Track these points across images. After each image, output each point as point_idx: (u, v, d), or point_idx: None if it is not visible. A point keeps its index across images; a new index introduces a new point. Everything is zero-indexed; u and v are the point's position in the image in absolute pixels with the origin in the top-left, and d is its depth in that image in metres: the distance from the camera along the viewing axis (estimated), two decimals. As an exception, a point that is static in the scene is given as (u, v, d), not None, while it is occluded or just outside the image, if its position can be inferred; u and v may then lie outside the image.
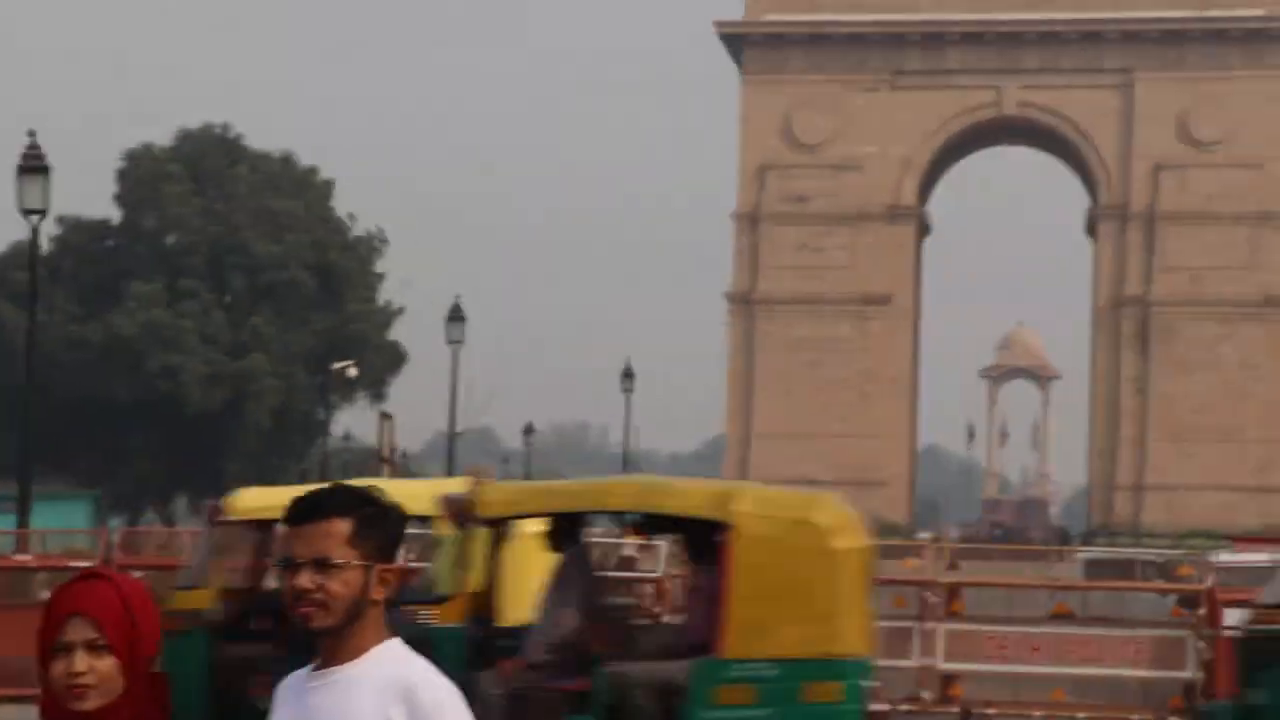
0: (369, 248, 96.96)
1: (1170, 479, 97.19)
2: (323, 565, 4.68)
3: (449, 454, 59.34)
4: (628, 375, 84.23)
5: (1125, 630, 21.93)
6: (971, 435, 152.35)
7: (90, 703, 4.55)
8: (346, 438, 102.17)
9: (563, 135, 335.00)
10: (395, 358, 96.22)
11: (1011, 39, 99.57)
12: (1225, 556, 30.53)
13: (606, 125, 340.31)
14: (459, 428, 60.24)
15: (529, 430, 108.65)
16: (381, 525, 4.76)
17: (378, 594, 4.72)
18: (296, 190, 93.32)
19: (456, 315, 59.55)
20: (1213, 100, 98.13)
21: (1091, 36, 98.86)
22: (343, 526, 4.70)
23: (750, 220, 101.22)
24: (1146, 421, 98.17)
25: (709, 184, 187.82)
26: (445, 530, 14.07)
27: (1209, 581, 24.24)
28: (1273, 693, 13.09)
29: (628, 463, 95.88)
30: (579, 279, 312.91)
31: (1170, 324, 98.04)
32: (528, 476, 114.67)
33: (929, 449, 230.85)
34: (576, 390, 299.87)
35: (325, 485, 4.93)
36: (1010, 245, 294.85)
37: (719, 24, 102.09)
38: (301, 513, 4.74)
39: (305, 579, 4.67)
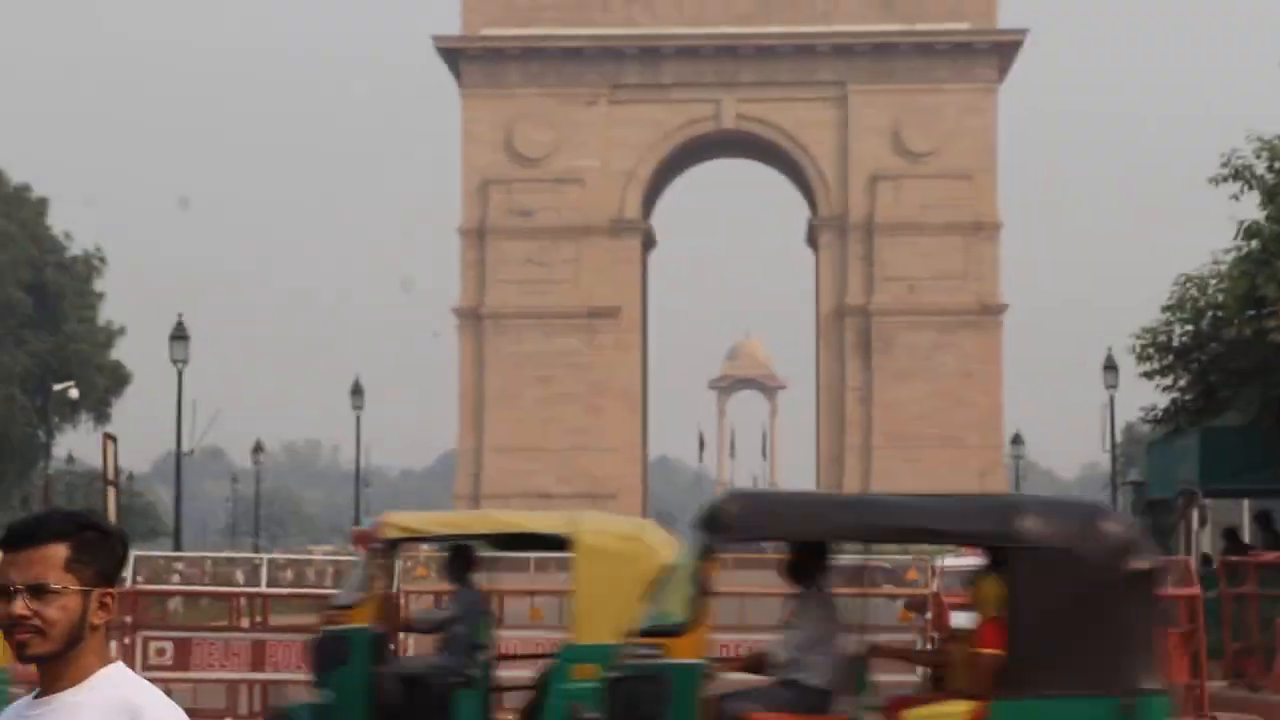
0: (87, 267, 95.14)
1: (895, 485, 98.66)
2: (39, 591, 4.57)
3: (177, 474, 58.32)
4: (357, 392, 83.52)
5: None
6: (702, 446, 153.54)
7: None
8: (70, 460, 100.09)
9: (284, 148, 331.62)
10: (118, 378, 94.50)
11: (728, 53, 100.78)
12: (950, 560, 31.05)
13: (332, 140, 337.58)
14: (186, 447, 59.25)
15: (258, 449, 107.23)
16: (101, 549, 4.65)
17: (98, 618, 4.62)
18: (8, 208, 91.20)
19: (180, 334, 58.48)
20: (923, 112, 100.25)
21: (805, 50, 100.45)
22: (59, 551, 4.60)
23: (476, 235, 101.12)
24: (870, 429, 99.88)
25: (435, 198, 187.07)
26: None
27: (934, 585, 24.61)
28: (340, 692, 14.40)
29: (360, 480, 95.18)
30: (308, 296, 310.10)
31: (891, 333, 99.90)
32: (258, 495, 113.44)
33: (660, 460, 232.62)
34: (307, 407, 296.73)
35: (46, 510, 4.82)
36: (736, 257, 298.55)
37: (437, 39, 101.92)
38: (16, 538, 4.63)
39: (20, 606, 4.55)
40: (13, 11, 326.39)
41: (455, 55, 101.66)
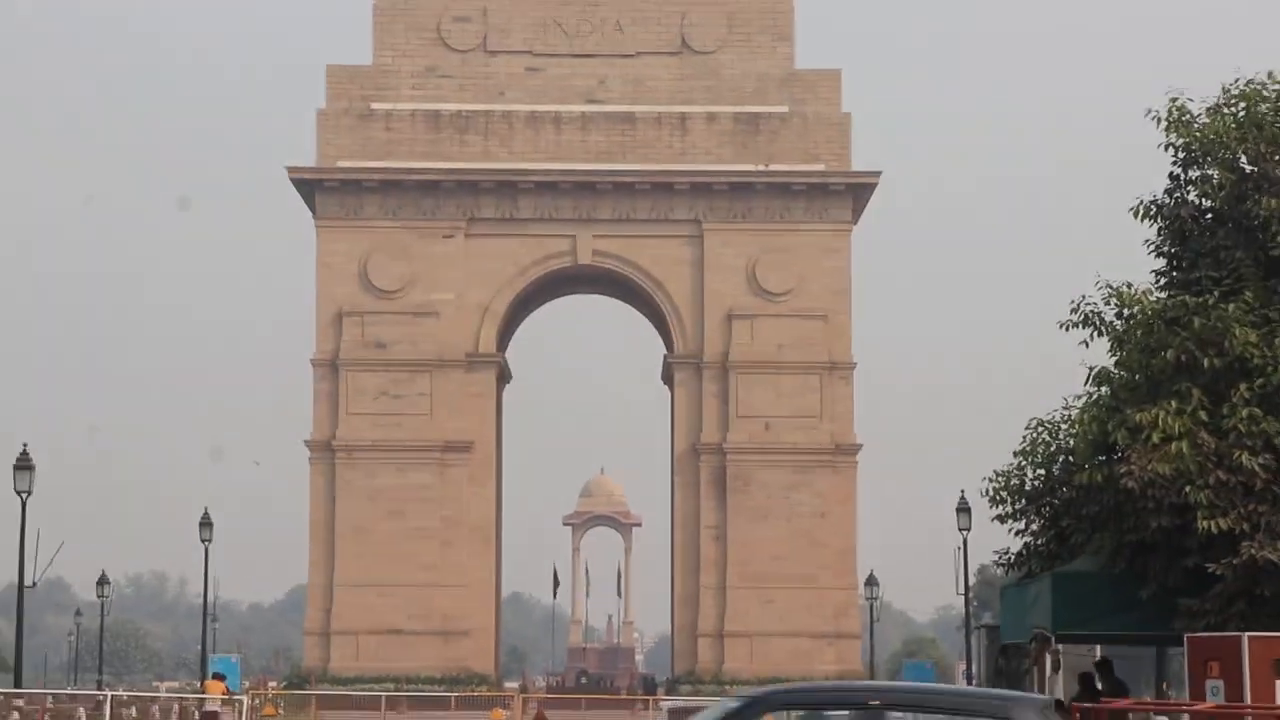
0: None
1: (750, 626, 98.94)
2: None
3: (19, 607, 57.10)
4: (205, 524, 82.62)
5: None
6: (557, 583, 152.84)
7: None
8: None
9: (131, 272, 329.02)
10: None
11: (585, 189, 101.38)
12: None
13: (184, 264, 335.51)
14: (29, 580, 58.04)
15: (103, 581, 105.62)
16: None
17: None
18: None
19: (24, 463, 57.52)
20: (779, 252, 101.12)
21: (662, 188, 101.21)
22: None
23: (330, 366, 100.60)
24: (726, 568, 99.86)
25: (289, 328, 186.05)
26: None
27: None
28: None
29: (209, 614, 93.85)
30: (155, 424, 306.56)
31: (746, 472, 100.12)
32: (102, 630, 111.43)
33: (514, 597, 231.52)
34: (153, 539, 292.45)
35: None
36: (592, 392, 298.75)
37: (292, 170, 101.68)
38: None
39: None
40: None
41: (311, 186, 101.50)
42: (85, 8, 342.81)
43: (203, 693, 59.72)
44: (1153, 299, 32.09)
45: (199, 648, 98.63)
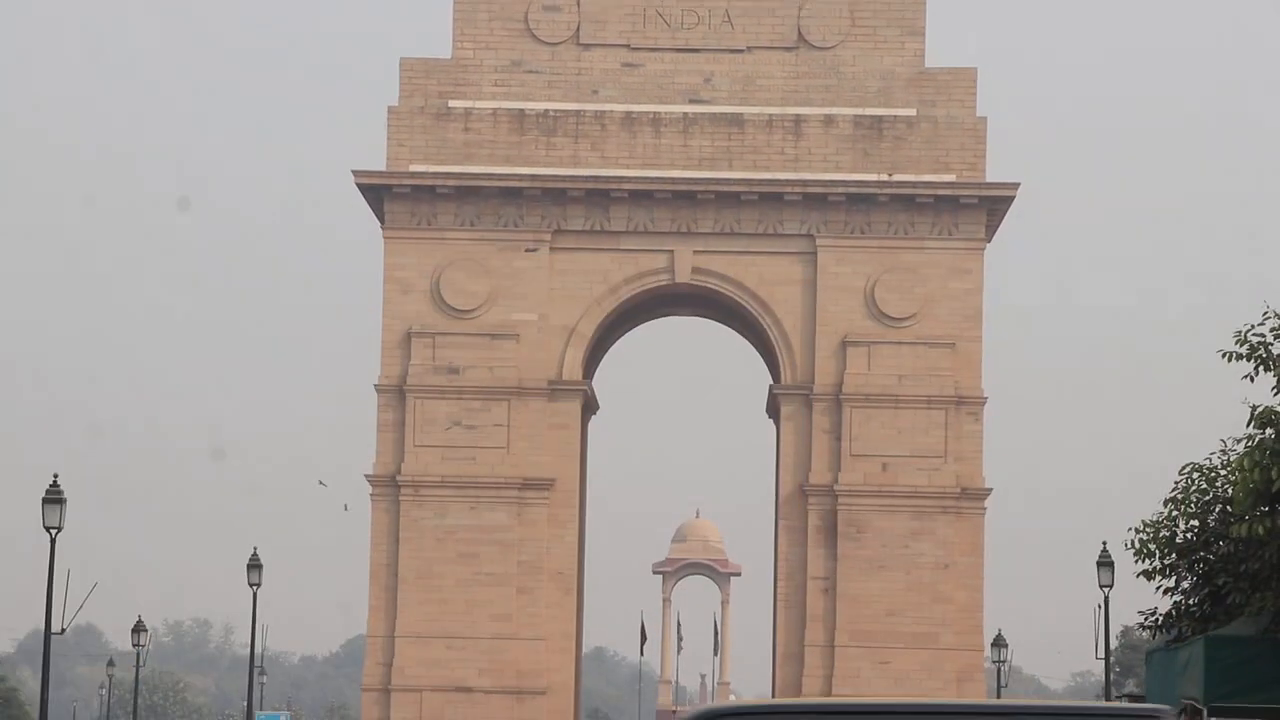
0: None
1: (862, 689, 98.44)
2: None
3: (45, 656, 57.59)
4: (255, 567, 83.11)
5: None
6: (644, 637, 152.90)
7: None
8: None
9: (178, 286, 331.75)
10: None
11: (685, 199, 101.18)
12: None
13: (236, 280, 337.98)
14: (57, 626, 58.46)
15: (139, 628, 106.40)
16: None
17: None
18: None
19: (54, 496, 57.82)
20: (902, 272, 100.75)
21: (771, 199, 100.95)
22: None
23: (395, 393, 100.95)
24: (835, 625, 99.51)
25: (354, 353, 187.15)
26: None
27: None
28: None
29: (256, 667, 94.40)
30: (199, 456, 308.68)
31: (860, 517, 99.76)
32: (138, 682, 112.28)
33: (596, 652, 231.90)
34: (196, 583, 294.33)
35: None
36: (688, 426, 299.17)
37: (358, 174, 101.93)
38: None
39: None
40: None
41: (379, 192, 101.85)
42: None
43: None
44: (1326, 329, 31.92)
45: (244, 704, 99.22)
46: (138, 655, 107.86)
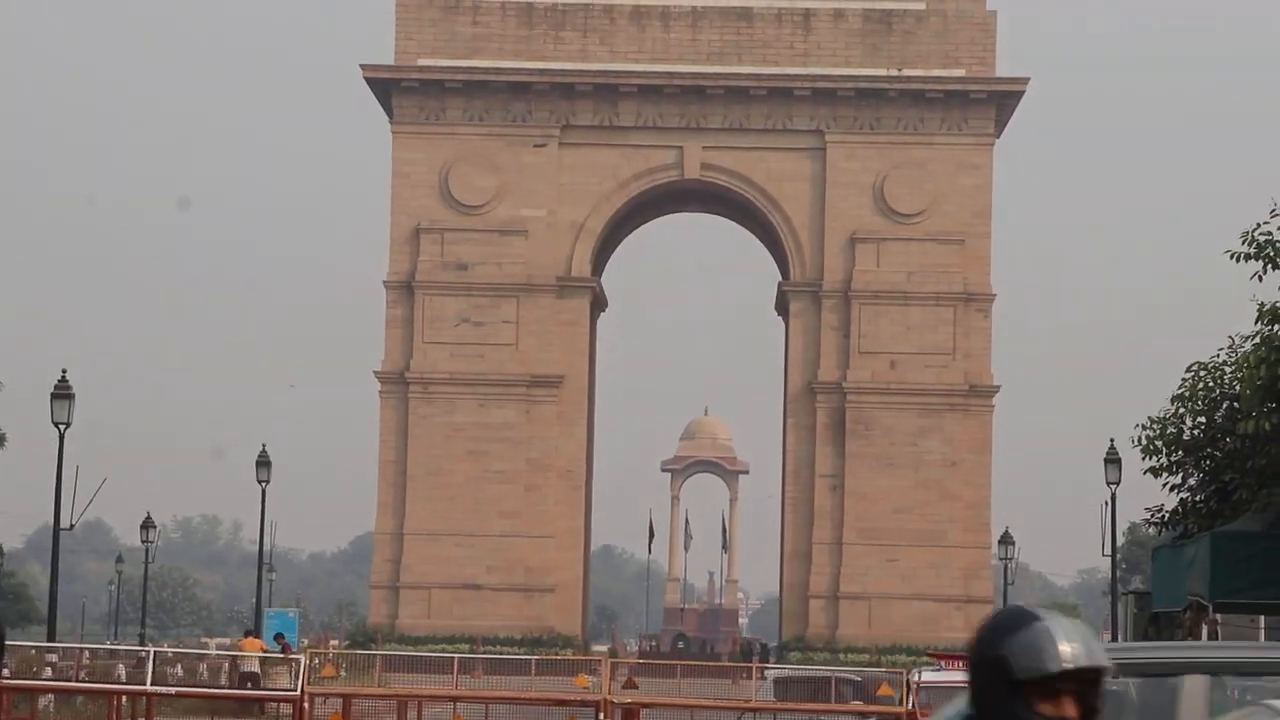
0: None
1: (870, 587, 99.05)
2: None
3: (54, 551, 57.86)
4: (263, 464, 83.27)
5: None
6: (652, 535, 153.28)
7: None
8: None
9: (187, 186, 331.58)
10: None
11: (693, 94, 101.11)
12: (928, 675, 31.11)
13: (244, 176, 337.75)
14: (66, 521, 58.73)
15: (148, 524, 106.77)
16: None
17: None
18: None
19: (63, 391, 57.97)
20: (911, 168, 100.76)
21: (780, 94, 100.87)
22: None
23: (404, 289, 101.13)
24: (843, 523, 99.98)
25: (362, 248, 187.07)
26: None
27: (910, 702, 24.70)
28: None
29: (264, 564, 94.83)
30: (210, 354, 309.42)
31: (868, 415, 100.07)
32: (147, 578, 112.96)
33: (604, 550, 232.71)
34: (205, 479, 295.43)
35: None
36: (696, 323, 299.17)
37: (366, 68, 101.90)
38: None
39: None
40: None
41: (387, 86, 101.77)
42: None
43: (239, 650, 60.30)
44: (1335, 227, 31.94)
45: (253, 600, 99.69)
46: (146, 551, 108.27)
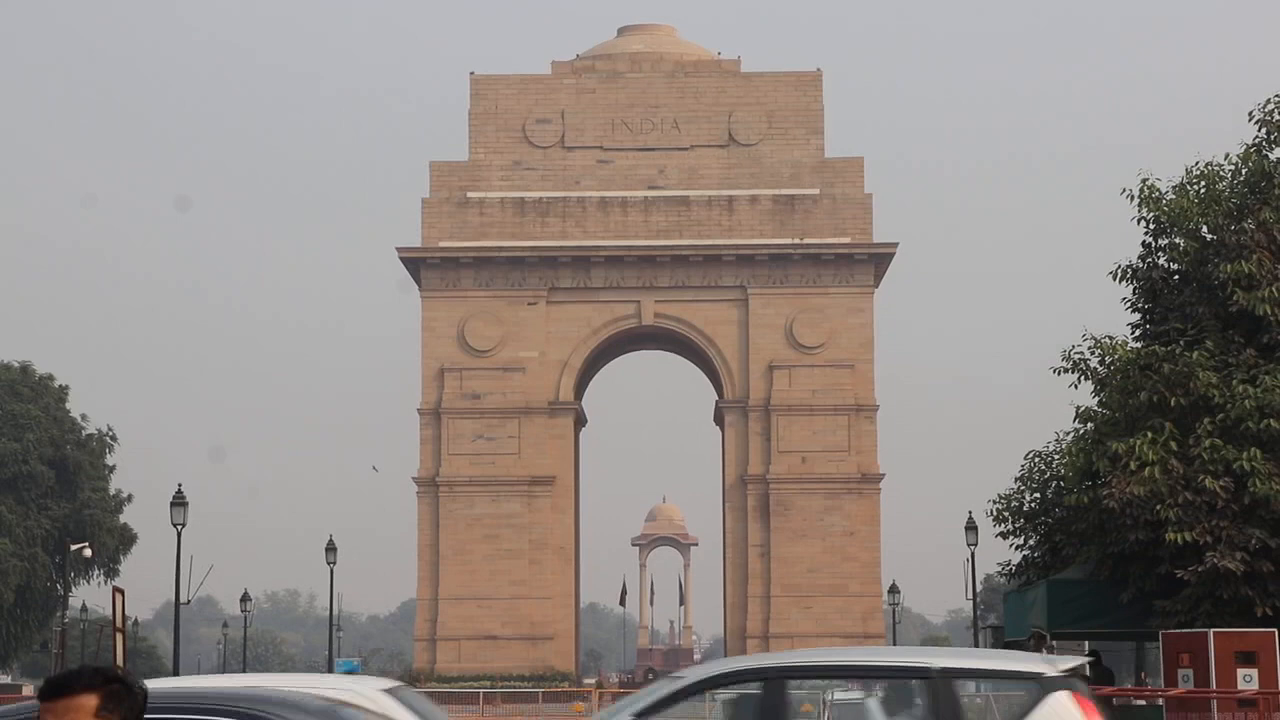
0: (100, 444, 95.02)
1: (792, 628, 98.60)
2: None
3: (175, 621, 57.66)
4: (331, 549, 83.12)
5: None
6: (625, 594, 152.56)
7: None
8: (84, 610, 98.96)
9: (268, 346, 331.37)
10: (126, 538, 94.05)
11: (648, 261, 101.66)
12: (839, 695, 30.84)
13: (306, 337, 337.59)
14: (184, 598, 58.70)
15: (245, 598, 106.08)
16: (124, 699, 4.72)
17: None
18: (34, 395, 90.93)
19: (179, 500, 58.17)
20: (813, 311, 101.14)
21: (713, 259, 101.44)
22: (90, 701, 4.67)
23: (433, 415, 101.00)
24: (770, 580, 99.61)
25: (400, 384, 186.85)
26: None
27: (825, 716, 24.47)
28: None
29: (333, 624, 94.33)
30: (289, 467, 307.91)
31: (786, 498, 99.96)
32: (246, 638, 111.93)
33: (590, 606, 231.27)
34: (287, 562, 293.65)
35: (89, 666, 4.88)
36: (655, 433, 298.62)
37: (401, 250, 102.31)
38: (53, 689, 4.69)
39: None
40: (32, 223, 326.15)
41: (417, 263, 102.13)
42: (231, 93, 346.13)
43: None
44: (1129, 348, 32.18)
45: (326, 654, 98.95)
46: (245, 618, 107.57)
